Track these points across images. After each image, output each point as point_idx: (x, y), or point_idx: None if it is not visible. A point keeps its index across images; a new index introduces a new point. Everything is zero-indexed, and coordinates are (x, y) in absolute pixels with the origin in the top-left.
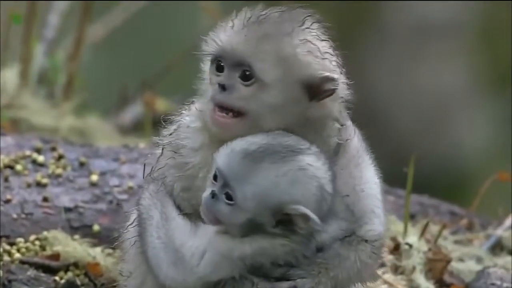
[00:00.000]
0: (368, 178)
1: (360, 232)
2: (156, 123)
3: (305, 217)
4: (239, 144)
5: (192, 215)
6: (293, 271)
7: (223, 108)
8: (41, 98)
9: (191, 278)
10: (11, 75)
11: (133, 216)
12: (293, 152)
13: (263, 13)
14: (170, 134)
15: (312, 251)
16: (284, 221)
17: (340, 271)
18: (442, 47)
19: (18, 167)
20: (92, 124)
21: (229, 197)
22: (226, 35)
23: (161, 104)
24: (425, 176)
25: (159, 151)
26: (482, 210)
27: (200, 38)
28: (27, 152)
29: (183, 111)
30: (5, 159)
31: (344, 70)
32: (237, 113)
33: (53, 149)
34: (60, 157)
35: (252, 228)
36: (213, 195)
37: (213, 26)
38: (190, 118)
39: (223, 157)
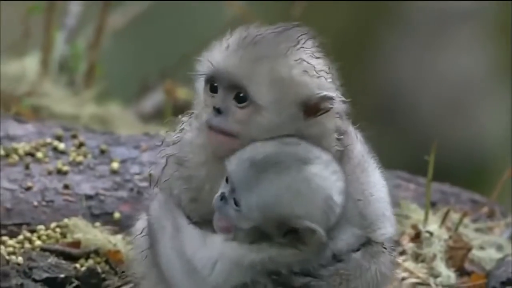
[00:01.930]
0: (376, 181)
1: (373, 236)
2: (176, 111)
3: (311, 230)
4: (248, 152)
5: (202, 224)
6: (314, 282)
7: (219, 131)
8: (62, 86)
9: None
10: (32, 63)
11: (140, 223)
12: (299, 162)
13: (259, 33)
14: (174, 144)
15: (327, 260)
16: (291, 232)
17: (360, 282)
18: (463, 34)
19: (39, 154)
20: (113, 112)
21: (236, 202)
22: (220, 56)
23: (181, 92)
24: (446, 164)
25: (163, 160)
26: (503, 198)
27: (223, 27)
28: (48, 140)
29: (185, 125)
30: (26, 147)
31: (339, 83)
32: (233, 135)
33: (74, 136)
34: (81, 145)
35: (259, 236)
36: (222, 197)
37: (235, 15)
38: (192, 133)
39: (233, 163)
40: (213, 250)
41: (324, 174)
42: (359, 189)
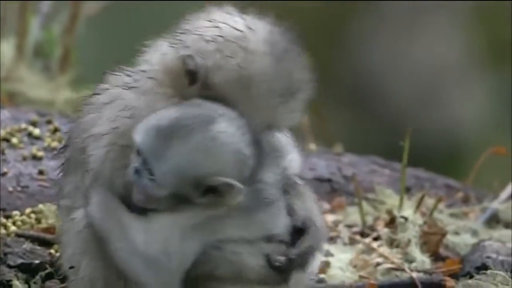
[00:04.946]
0: None
1: (284, 163)
2: None
3: (228, 185)
4: (152, 121)
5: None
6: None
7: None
8: (37, 71)
9: (170, 277)
10: (7, 48)
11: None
12: (203, 123)
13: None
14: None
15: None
16: (210, 191)
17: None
18: (438, 20)
19: (14, 140)
20: None
21: (150, 172)
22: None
23: None
24: (421, 150)
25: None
26: (478, 183)
27: (195, 12)
28: (23, 125)
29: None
30: (1, 132)
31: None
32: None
33: (49, 122)
34: (56, 130)
35: (181, 200)
36: (136, 170)
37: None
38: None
39: (140, 134)
40: (157, 234)
41: (230, 130)
42: None
